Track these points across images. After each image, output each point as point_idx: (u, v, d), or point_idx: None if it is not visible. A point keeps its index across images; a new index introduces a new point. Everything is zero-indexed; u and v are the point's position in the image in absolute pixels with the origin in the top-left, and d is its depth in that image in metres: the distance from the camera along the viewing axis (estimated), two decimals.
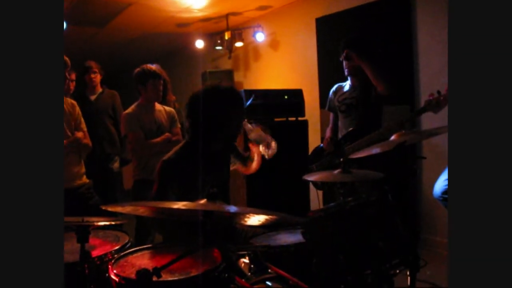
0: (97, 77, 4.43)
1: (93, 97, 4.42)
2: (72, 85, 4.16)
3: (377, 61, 3.28)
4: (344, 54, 3.38)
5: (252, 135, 2.53)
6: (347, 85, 3.53)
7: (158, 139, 3.44)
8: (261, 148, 2.58)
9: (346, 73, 3.44)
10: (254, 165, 2.69)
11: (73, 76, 4.19)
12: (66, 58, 3.02)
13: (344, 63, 3.41)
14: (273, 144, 2.58)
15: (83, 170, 3.21)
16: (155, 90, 3.47)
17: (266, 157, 2.59)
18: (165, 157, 2.32)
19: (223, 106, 2.28)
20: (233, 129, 2.37)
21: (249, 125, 2.57)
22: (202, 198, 1.57)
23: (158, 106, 3.60)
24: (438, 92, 2.72)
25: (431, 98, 2.75)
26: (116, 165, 4.62)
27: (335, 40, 4.81)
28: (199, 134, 2.29)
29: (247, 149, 2.72)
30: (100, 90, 4.50)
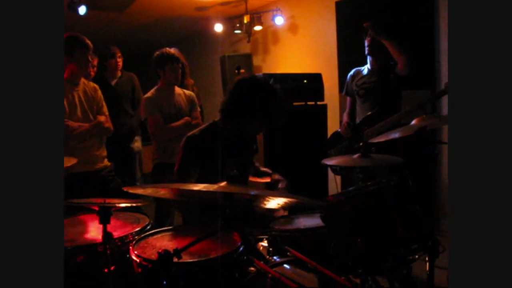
0: (121, 62, 4.47)
1: (113, 82, 4.46)
2: (93, 71, 4.19)
3: (400, 39, 3.25)
4: (368, 32, 3.33)
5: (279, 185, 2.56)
6: (365, 69, 3.49)
7: (178, 123, 3.46)
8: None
9: (366, 52, 3.39)
10: (255, 179, 2.72)
11: (95, 62, 4.22)
12: (88, 42, 3.04)
13: (366, 41, 3.36)
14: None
15: (105, 153, 3.25)
16: (173, 73, 3.48)
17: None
18: (190, 133, 2.34)
19: (263, 102, 2.25)
20: (261, 122, 2.35)
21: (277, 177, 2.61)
22: (223, 181, 1.58)
23: (177, 90, 3.61)
24: None
25: None
26: (136, 144, 4.68)
27: (355, 24, 4.75)
28: (228, 117, 2.28)
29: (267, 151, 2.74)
30: (119, 74, 4.53)
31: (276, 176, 2.64)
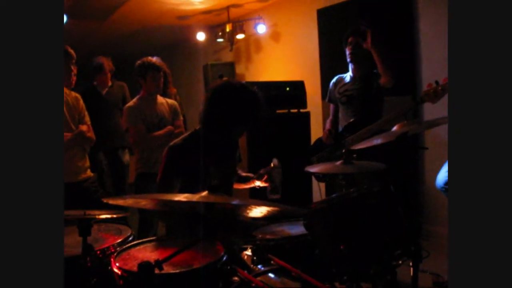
0: (108, 76, 4.44)
1: (103, 91, 4.43)
2: (74, 79, 4.17)
3: (382, 50, 3.28)
4: (349, 40, 3.37)
5: (274, 173, 2.54)
6: (348, 76, 3.51)
7: (160, 132, 3.44)
8: (268, 186, 2.57)
9: (348, 60, 3.42)
10: (240, 186, 2.70)
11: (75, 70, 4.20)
12: (71, 51, 3.01)
13: (348, 50, 3.39)
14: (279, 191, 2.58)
15: (87, 163, 3.21)
16: (154, 82, 3.46)
17: (268, 196, 2.59)
18: (172, 143, 2.32)
19: (242, 106, 2.25)
20: (243, 126, 2.36)
21: (276, 161, 2.57)
22: (204, 190, 1.57)
23: (160, 99, 3.59)
24: (436, 82, 2.71)
25: (428, 88, 2.74)
26: (126, 157, 4.65)
27: (337, 32, 4.79)
28: (208, 125, 2.28)
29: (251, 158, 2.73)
30: (109, 83, 4.51)
31: (261, 171, 2.64)
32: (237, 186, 2.67)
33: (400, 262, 1.87)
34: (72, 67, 3.07)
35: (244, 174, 2.72)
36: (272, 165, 2.56)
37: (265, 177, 2.59)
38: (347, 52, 3.40)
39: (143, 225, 3.47)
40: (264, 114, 2.34)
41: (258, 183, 2.62)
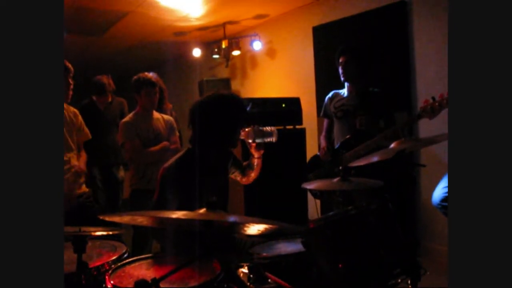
0: (109, 96, 4.44)
1: (102, 107, 4.43)
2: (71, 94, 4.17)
3: (373, 63, 3.32)
4: (340, 60, 3.40)
5: (252, 137, 2.50)
6: (344, 91, 3.53)
7: (156, 148, 3.42)
8: (269, 139, 2.54)
9: (342, 79, 3.45)
10: (253, 174, 2.68)
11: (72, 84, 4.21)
12: (68, 64, 2.99)
13: (340, 69, 3.42)
14: (273, 128, 2.55)
15: (82, 179, 3.17)
16: (149, 98, 3.45)
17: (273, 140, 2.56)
18: (166, 164, 2.31)
19: (226, 114, 2.30)
20: (233, 137, 2.39)
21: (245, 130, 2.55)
22: (202, 207, 1.55)
23: (156, 114, 3.58)
24: (433, 98, 2.72)
25: (425, 104, 2.75)
26: (121, 174, 4.63)
27: (332, 49, 4.82)
28: (200, 142, 2.28)
29: (246, 158, 2.71)
30: (109, 99, 4.50)
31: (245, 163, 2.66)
32: (245, 180, 2.72)
33: (399, 280, 1.86)
34: (70, 81, 3.06)
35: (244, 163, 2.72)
36: (249, 140, 2.52)
37: (253, 150, 2.58)
38: (340, 71, 3.43)
39: (137, 241, 3.43)
40: (247, 115, 2.41)
41: (256, 156, 2.62)
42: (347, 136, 3.36)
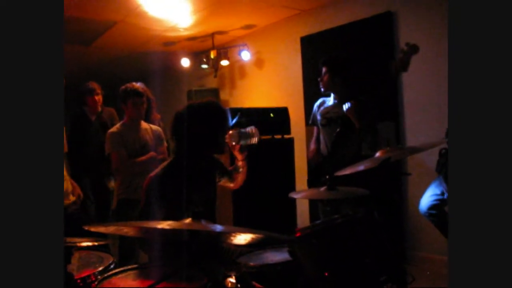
0: (100, 99, 4.42)
1: (93, 117, 4.40)
2: None
3: (356, 75, 3.36)
4: (323, 70, 3.43)
5: (235, 139, 2.52)
6: (331, 99, 3.54)
7: (142, 158, 3.41)
8: (252, 141, 2.56)
9: (322, 90, 3.47)
10: (240, 177, 2.69)
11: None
12: None
13: (319, 79, 3.45)
14: (254, 130, 2.58)
15: (70, 188, 3.15)
16: (135, 108, 3.45)
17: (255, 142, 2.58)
18: (152, 173, 2.31)
19: (207, 121, 2.32)
20: (218, 144, 2.39)
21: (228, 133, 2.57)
22: (188, 217, 1.55)
23: (144, 124, 3.58)
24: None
25: (395, 60, 2.82)
26: (111, 184, 4.60)
27: (320, 59, 4.87)
28: (184, 152, 2.29)
29: (232, 163, 2.72)
30: (99, 110, 4.48)
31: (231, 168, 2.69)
32: (233, 185, 2.74)
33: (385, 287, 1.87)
34: None
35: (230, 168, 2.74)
36: (233, 143, 2.54)
37: (236, 153, 2.61)
38: (320, 85, 3.46)
39: (124, 251, 3.41)
40: (227, 115, 2.45)
41: (240, 158, 2.65)
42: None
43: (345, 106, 3.16)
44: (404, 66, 2.77)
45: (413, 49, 2.72)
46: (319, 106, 3.63)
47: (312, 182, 3.59)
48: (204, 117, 2.32)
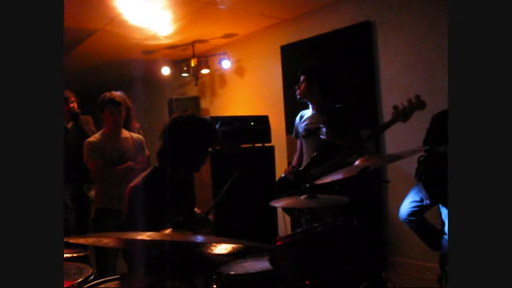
0: (75, 106, 4.36)
1: (69, 125, 4.35)
2: None
3: (333, 84, 3.38)
4: (301, 79, 3.45)
5: None
6: (309, 111, 3.56)
7: (119, 167, 3.39)
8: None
9: (298, 97, 3.48)
10: None
11: None
12: None
13: (296, 87, 3.47)
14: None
15: None
16: (112, 117, 3.42)
17: None
18: (133, 183, 2.30)
19: (196, 136, 2.33)
20: (199, 160, 2.41)
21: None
22: (168, 227, 1.55)
23: (125, 133, 3.55)
24: (401, 104, 2.78)
25: (396, 109, 2.79)
26: (92, 193, 4.54)
27: (300, 67, 4.91)
28: (168, 159, 2.30)
29: (215, 177, 2.74)
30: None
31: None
32: None
33: None
34: None
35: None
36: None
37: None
38: (297, 92, 3.47)
39: (101, 262, 3.36)
40: (218, 138, 2.49)
41: None
42: (314, 154, 3.39)
43: (322, 132, 3.19)
44: (406, 117, 2.77)
45: (421, 105, 2.72)
46: (300, 119, 3.65)
47: (278, 192, 3.59)
48: (194, 131, 2.34)
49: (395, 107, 2.78)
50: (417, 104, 2.70)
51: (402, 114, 2.73)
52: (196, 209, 2.72)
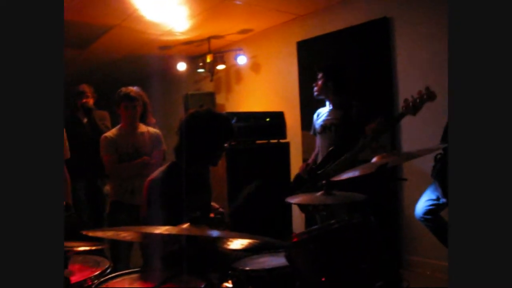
0: (90, 101, 4.40)
1: (85, 120, 4.38)
2: None
3: (346, 87, 3.39)
4: (318, 76, 3.48)
5: None
6: (326, 108, 3.58)
7: (132, 162, 3.41)
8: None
9: (315, 94, 3.52)
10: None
11: None
12: None
13: (314, 85, 3.50)
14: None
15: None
16: (127, 112, 3.45)
17: None
18: (151, 177, 2.33)
19: (211, 130, 2.35)
20: (217, 152, 2.43)
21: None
22: (185, 222, 1.56)
23: (142, 128, 3.57)
24: (412, 96, 2.77)
25: (406, 103, 2.79)
26: (106, 187, 4.58)
27: (316, 63, 4.88)
28: (185, 154, 2.31)
29: (231, 172, 2.76)
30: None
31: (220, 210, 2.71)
32: None
33: None
34: None
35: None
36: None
37: None
38: (314, 89, 3.53)
39: (116, 256, 3.39)
40: (234, 134, 2.49)
41: None
42: (330, 148, 3.39)
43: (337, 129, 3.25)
44: (415, 109, 2.76)
45: (431, 96, 2.71)
46: (317, 116, 3.67)
47: (293, 189, 3.60)
48: (211, 126, 2.36)
49: (405, 100, 2.78)
50: (427, 95, 2.70)
51: (412, 107, 2.73)
52: (213, 204, 2.73)
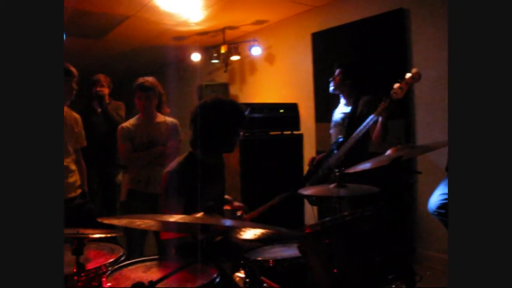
0: (105, 91, 4.43)
1: (100, 110, 4.42)
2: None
3: (362, 84, 3.46)
4: (336, 72, 3.49)
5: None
6: (341, 103, 3.61)
7: (146, 152, 3.45)
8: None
9: (330, 90, 3.56)
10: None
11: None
12: (72, 69, 3.01)
13: (331, 79, 3.53)
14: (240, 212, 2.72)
15: (79, 182, 3.21)
16: (140, 102, 3.49)
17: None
18: (169, 168, 2.35)
19: (224, 118, 2.36)
20: (231, 141, 2.45)
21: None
22: (199, 211, 1.57)
23: (160, 118, 3.59)
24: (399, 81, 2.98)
25: (395, 88, 2.99)
26: (119, 177, 4.62)
27: (331, 55, 4.86)
28: (200, 144, 2.33)
29: (244, 163, 2.78)
30: (107, 101, 4.50)
31: (236, 204, 2.75)
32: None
33: (394, 286, 1.87)
34: (74, 86, 3.06)
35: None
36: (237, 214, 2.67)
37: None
38: (331, 84, 3.56)
39: (128, 245, 3.44)
40: (244, 117, 2.48)
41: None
42: (340, 137, 3.40)
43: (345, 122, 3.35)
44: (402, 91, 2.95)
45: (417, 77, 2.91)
46: (335, 110, 3.69)
47: (305, 180, 3.64)
48: (222, 114, 2.36)
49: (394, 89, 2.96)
50: (412, 78, 2.90)
51: (400, 90, 2.96)
52: (226, 196, 2.75)
